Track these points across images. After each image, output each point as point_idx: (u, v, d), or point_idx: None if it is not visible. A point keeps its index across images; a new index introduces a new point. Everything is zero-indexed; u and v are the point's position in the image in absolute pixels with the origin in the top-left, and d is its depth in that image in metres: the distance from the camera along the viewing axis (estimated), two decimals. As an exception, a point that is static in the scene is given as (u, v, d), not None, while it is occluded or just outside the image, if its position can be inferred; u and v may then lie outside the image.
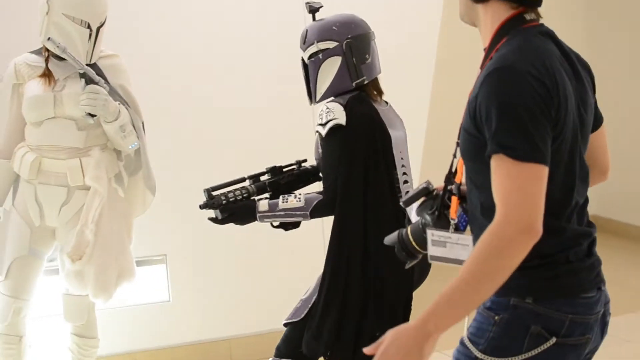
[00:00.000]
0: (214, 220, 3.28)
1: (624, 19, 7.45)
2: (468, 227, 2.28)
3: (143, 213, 4.08)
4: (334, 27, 3.31)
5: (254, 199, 3.31)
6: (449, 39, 5.94)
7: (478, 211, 2.16)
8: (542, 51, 2.11)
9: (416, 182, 3.46)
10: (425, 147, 4.97)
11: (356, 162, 3.19)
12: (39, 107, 3.78)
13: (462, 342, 2.23)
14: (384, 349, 1.99)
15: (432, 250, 2.32)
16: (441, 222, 2.36)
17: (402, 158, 3.33)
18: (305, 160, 3.50)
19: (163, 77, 4.52)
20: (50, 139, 3.82)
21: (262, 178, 3.41)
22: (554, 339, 2.12)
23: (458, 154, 2.24)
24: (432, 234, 2.31)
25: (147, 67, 4.42)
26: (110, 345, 4.46)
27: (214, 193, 3.29)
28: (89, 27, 3.75)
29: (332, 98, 3.30)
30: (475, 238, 2.15)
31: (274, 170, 3.43)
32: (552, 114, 2.03)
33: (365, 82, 3.31)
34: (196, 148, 4.63)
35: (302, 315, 3.33)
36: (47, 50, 3.80)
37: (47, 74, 3.81)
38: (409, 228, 2.53)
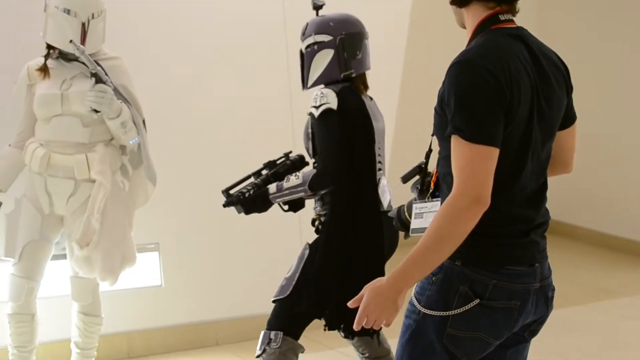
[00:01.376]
0: (238, 211, 3.67)
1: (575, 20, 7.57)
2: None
3: (145, 203, 4.27)
4: (330, 23, 3.62)
5: (265, 189, 3.66)
6: (418, 31, 6.23)
7: (444, 180, 2.38)
8: (501, 50, 2.28)
9: (387, 169, 3.77)
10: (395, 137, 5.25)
11: (342, 142, 3.47)
12: (47, 105, 3.96)
13: (410, 300, 2.44)
14: (365, 305, 2.24)
15: (413, 224, 2.51)
16: (424, 194, 2.56)
17: (379, 148, 3.61)
18: (290, 152, 3.80)
19: (158, 74, 4.72)
20: (58, 135, 4.00)
21: (263, 172, 3.73)
22: (477, 300, 2.31)
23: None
24: (415, 207, 2.51)
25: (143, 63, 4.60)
26: (108, 326, 4.52)
27: (231, 192, 3.68)
28: (77, 16, 3.92)
29: (322, 85, 3.59)
30: (442, 203, 2.35)
31: (271, 164, 3.75)
32: (503, 105, 2.21)
33: (353, 75, 3.60)
34: (188, 143, 4.82)
35: (288, 292, 3.56)
36: (49, 48, 4.00)
37: (44, 69, 4.00)
38: (405, 204, 2.73)
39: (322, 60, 3.62)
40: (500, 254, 2.34)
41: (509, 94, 2.22)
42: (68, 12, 3.92)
